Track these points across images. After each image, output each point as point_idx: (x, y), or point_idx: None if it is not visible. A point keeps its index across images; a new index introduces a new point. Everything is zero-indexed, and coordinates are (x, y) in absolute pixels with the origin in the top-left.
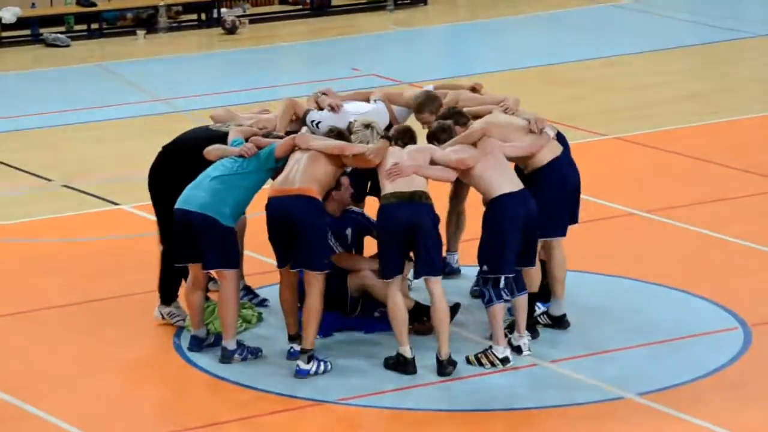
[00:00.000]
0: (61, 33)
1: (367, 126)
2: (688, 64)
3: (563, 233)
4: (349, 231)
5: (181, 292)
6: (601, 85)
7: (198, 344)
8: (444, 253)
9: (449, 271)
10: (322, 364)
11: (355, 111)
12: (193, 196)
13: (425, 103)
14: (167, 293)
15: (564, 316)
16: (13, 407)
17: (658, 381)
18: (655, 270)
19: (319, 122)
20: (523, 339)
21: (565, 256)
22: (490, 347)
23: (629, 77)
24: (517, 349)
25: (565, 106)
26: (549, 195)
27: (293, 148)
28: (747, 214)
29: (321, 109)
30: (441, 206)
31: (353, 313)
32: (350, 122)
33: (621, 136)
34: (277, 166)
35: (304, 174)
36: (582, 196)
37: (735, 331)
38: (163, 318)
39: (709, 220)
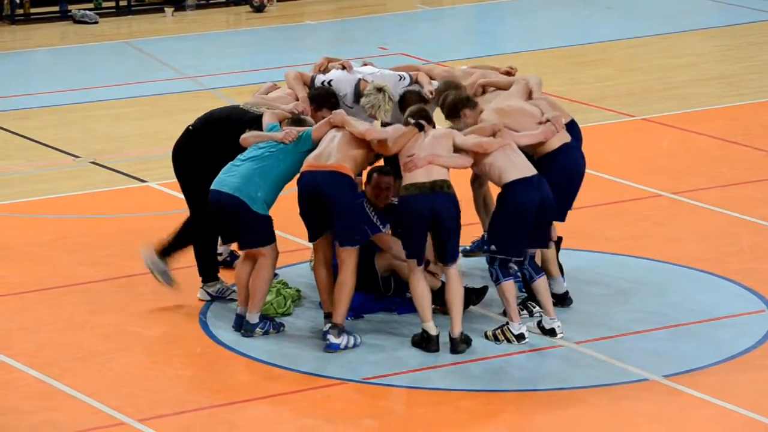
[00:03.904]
0: (90, 10)
1: (380, 90)
2: (715, 46)
3: (563, 218)
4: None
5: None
6: (627, 66)
7: (241, 323)
8: (482, 232)
9: (487, 250)
10: (352, 338)
11: (364, 71)
12: (226, 179)
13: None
14: (205, 272)
15: (566, 293)
16: (40, 383)
17: (684, 363)
18: (682, 252)
19: (330, 81)
20: (556, 321)
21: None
22: (507, 324)
23: (655, 58)
24: (551, 332)
25: (591, 86)
26: (557, 179)
27: (329, 129)
28: None
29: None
30: (464, 191)
31: (388, 292)
32: (360, 80)
33: (647, 117)
34: (312, 148)
35: (339, 151)
36: (609, 177)
37: (762, 313)
38: (213, 297)
39: (737, 202)
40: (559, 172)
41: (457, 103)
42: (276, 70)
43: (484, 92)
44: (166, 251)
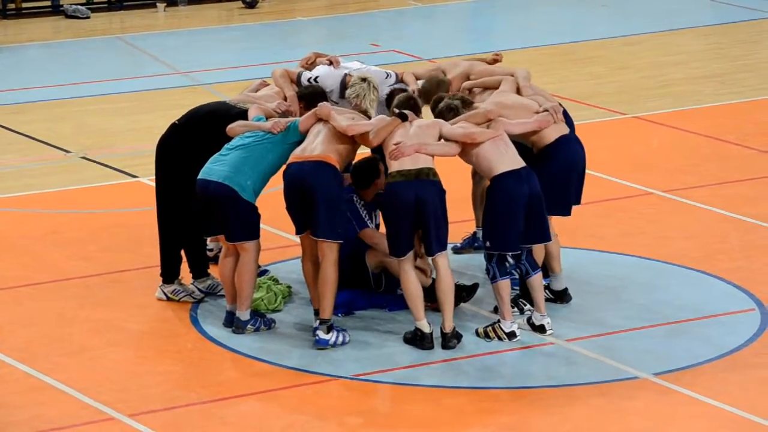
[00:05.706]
0: (82, 5)
1: (364, 80)
2: (707, 44)
3: (567, 212)
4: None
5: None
6: (620, 64)
7: (232, 320)
8: (474, 228)
9: (478, 246)
10: (341, 334)
11: (350, 66)
12: (214, 168)
13: (431, 92)
14: (167, 272)
15: (565, 290)
16: (30, 377)
17: (674, 361)
18: (673, 250)
19: (316, 77)
20: (546, 318)
21: (556, 233)
22: (498, 321)
23: (648, 56)
24: (541, 329)
25: (584, 84)
26: (556, 171)
27: (316, 121)
28: (766, 194)
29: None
30: (464, 184)
31: (379, 289)
32: (346, 74)
33: (640, 115)
34: (299, 139)
35: (325, 143)
36: (600, 175)
37: (752, 312)
38: (167, 297)
39: (728, 200)
40: (558, 164)
41: (444, 112)
42: (268, 66)
43: (470, 93)
44: (196, 273)
